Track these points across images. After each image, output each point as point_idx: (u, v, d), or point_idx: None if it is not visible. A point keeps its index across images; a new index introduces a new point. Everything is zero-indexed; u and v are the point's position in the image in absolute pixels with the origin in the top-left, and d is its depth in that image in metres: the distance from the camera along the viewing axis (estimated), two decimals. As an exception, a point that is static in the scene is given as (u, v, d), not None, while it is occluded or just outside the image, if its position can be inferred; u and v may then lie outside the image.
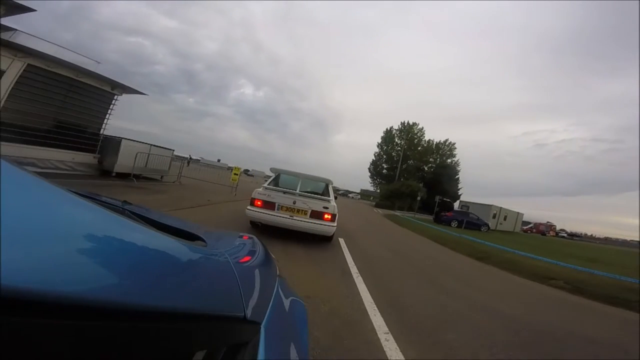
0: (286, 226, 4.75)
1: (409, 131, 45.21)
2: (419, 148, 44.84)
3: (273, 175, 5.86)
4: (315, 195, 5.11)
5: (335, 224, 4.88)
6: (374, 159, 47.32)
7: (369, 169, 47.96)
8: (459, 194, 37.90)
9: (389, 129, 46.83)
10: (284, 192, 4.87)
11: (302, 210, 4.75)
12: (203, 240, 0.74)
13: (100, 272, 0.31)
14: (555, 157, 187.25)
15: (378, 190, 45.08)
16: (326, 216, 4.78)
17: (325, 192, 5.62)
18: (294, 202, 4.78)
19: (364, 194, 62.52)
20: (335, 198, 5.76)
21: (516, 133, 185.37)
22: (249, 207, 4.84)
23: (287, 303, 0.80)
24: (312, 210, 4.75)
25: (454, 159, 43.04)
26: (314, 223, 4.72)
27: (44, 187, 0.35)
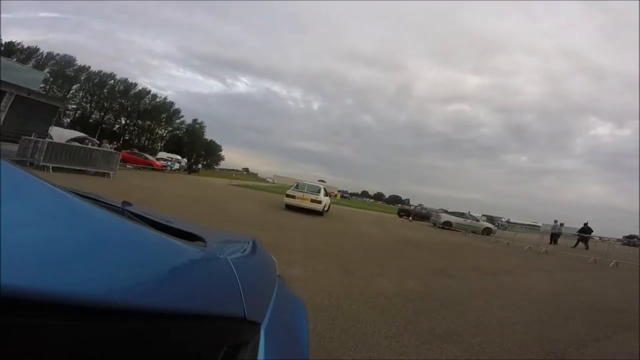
0: (299, 206, 10.67)
1: None
2: None
3: (295, 185, 12.39)
4: (314, 193, 11.12)
5: (321, 206, 10.83)
6: None
7: None
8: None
9: None
10: (299, 191, 11.21)
11: (306, 198, 10.79)
12: (203, 240, 0.74)
13: (100, 273, 0.31)
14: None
15: None
16: (316, 201, 10.75)
17: (319, 192, 11.33)
18: (303, 195, 10.90)
19: None
20: (327, 195, 12.88)
21: None
22: (285, 198, 11.14)
23: (287, 303, 0.80)
24: (311, 199, 10.78)
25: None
26: (312, 204, 10.69)
27: (44, 187, 0.35)
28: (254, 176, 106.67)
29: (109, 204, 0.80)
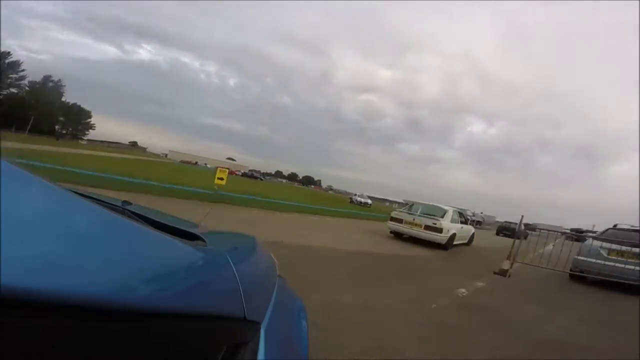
0: (408, 234, 7.76)
1: None
2: None
3: (409, 204, 9.47)
4: (430, 217, 7.55)
5: (443, 237, 7.22)
6: None
7: None
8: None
9: None
10: (409, 213, 8.01)
11: (418, 223, 7.56)
12: (203, 240, 0.73)
13: (100, 272, 0.31)
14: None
15: None
16: (434, 228, 7.24)
17: (442, 216, 7.70)
18: (414, 219, 7.68)
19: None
20: (467, 222, 9.16)
21: None
22: (389, 222, 8.36)
23: (287, 303, 0.80)
24: (425, 225, 7.40)
25: None
26: (426, 233, 7.35)
27: (44, 187, 0.35)
28: (142, 150, 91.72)
29: (108, 204, 0.79)
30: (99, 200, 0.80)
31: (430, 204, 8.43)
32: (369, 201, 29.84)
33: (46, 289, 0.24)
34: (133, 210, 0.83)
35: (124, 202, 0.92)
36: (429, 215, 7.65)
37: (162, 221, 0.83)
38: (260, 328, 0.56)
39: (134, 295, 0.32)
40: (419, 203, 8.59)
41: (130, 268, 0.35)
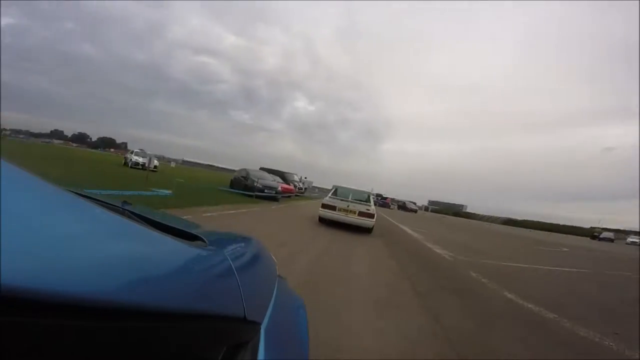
0: (342, 221, 7.61)
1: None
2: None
3: (333, 189, 8.91)
4: (363, 203, 7.95)
5: (373, 221, 7.63)
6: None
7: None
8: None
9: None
10: (342, 200, 7.90)
11: (352, 210, 7.61)
12: (203, 240, 0.73)
13: (100, 272, 0.30)
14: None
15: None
16: (367, 214, 7.56)
17: (368, 200, 8.38)
18: (348, 206, 7.68)
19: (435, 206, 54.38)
20: (376, 204, 9.71)
21: (583, 138, 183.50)
22: (320, 209, 7.92)
23: (287, 303, 0.80)
24: (359, 211, 7.57)
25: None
26: (361, 219, 7.54)
27: (44, 187, 0.35)
28: None
29: (108, 204, 0.80)
30: (99, 200, 0.80)
31: (354, 188, 8.71)
32: (155, 162, 19.52)
33: (46, 289, 0.24)
34: (133, 210, 0.83)
35: (124, 202, 0.92)
36: (359, 200, 8.01)
37: (162, 221, 0.83)
38: (260, 328, 0.56)
39: (134, 295, 0.32)
40: (343, 188, 8.74)
41: (130, 268, 0.35)
